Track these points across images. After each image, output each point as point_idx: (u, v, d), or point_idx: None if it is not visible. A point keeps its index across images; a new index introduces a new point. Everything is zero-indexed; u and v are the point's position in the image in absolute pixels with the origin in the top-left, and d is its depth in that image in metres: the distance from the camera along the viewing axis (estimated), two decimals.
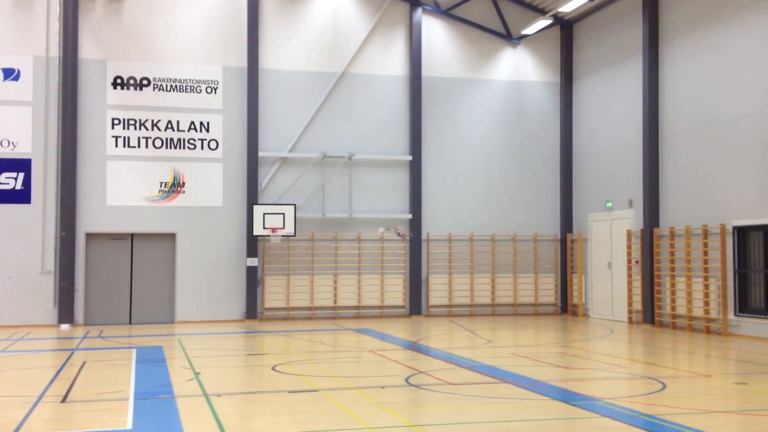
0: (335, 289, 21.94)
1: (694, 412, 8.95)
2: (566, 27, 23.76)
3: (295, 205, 21.06)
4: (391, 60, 22.73)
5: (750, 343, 15.94)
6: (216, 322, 20.82)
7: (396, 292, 22.38)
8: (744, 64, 17.09)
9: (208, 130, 21.29)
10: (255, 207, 20.78)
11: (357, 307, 22.09)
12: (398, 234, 15.37)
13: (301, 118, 21.94)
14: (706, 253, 17.89)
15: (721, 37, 17.83)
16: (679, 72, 19.16)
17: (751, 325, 16.67)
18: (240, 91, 21.50)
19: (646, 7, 19.97)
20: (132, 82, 20.89)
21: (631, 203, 20.75)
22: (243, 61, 21.54)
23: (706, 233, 17.90)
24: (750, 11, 16.90)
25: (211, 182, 21.26)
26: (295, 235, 21.11)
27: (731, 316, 17.21)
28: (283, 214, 20.76)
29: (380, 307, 22.25)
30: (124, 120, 20.75)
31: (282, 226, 20.71)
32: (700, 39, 18.49)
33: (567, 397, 9.98)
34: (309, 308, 21.77)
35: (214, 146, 21.30)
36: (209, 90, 21.33)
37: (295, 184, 21.78)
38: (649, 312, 19.54)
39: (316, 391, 10.27)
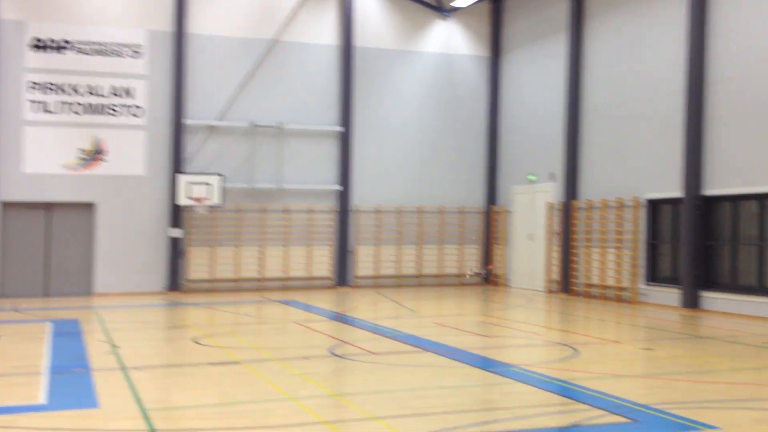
0: (261, 260, 21.92)
1: (604, 377, 9.39)
2: (496, 1, 24.02)
3: (222, 175, 20.88)
4: (323, 29, 22.59)
5: (657, 310, 16.69)
6: (136, 294, 20.54)
7: (323, 263, 22.50)
8: (660, 43, 17.67)
9: (131, 96, 20.83)
10: (179, 176, 20.51)
11: (283, 279, 22.13)
12: (475, 273, 16.84)
13: (229, 86, 21.65)
14: (620, 225, 18.57)
15: (640, 17, 18.37)
16: (600, 48, 19.67)
17: (659, 293, 17.44)
18: (166, 56, 21.05)
19: None
20: (51, 44, 20.21)
21: (552, 176, 21.30)
22: (169, 25, 21.05)
23: (621, 206, 18.56)
24: None
25: (134, 150, 20.85)
26: (221, 206, 20.95)
27: (641, 285, 17.96)
28: (210, 184, 20.56)
29: (307, 279, 22.34)
30: (42, 84, 20.13)
31: (207, 197, 20.51)
32: (621, 17, 19.00)
33: (485, 364, 10.33)
34: (234, 280, 21.70)
35: (138, 113, 20.88)
36: (133, 54, 20.83)
37: (222, 154, 21.56)
38: (566, 282, 20.21)
39: (239, 363, 10.31)
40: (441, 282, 23.59)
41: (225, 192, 21.19)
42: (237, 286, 21.66)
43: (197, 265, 21.32)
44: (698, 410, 7.58)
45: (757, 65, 15.15)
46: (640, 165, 18.12)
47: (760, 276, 15.14)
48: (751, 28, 15.34)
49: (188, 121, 21.15)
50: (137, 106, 20.88)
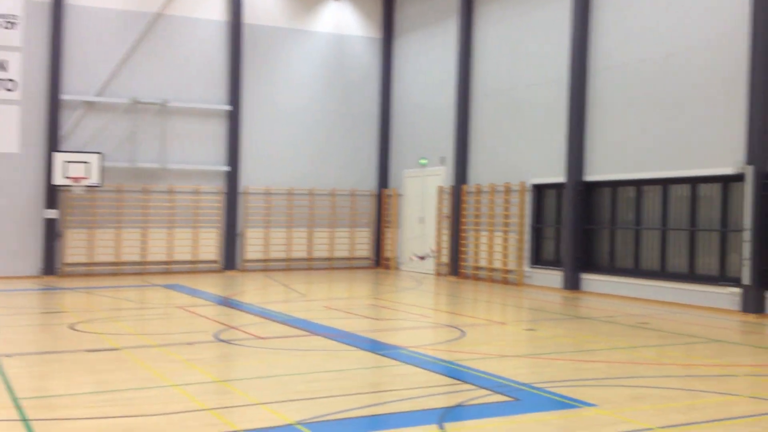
0: (144, 243, 21.21)
1: (489, 357, 9.56)
2: None
3: (101, 153, 20.02)
4: (211, 4, 21.92)
5: (541, 292, 17.19)
6: (8, 278, 19.47)
7: (209, 246, 22.00)
8: (546, 32, 18.09)
9: (4, 69, 19.64)
10: (55, 154, 19.54)
11: (167, 263, 21.51)
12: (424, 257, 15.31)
13: (110, 61, 20.73)
14: (507, 209, 19.00)
15: (528, 5, 18.74)
16: (490, 35, 19.98)
17: (543, 275, 17.97)
18: (43, 27, 19.92)
19: None
20: None
21: (442, 161, 21.54)
22: None
23: (508, 190, 18.97)
24: None
25: (7, 127, 19.69)
26: (100, 186, 20.10)
27: (526, 267, 18.46)
28: (88, 162, 19.68)
29: (192, 263, 21.80)
30: None
31: (86, 176, 19.63)
32: (510, 4, 19.33)
33: (375, 346, 10.33)
34: (114, 263, 20.92)
35: (11, 87, 19.72)
36: (7, 25, 19.63)
37: (102, 131, 20.67)
38: (455, 264, 20.53)
39: (118, 349, 9.91)
40: (332, 265, 23.51)
41: (105, 171, 20.36)
42: (117, 270, 20.89)
43: (75, 248, 20.42)
44: (577, 388, 7.81)
45: (635, 55, 15.73)
46: (526, 150, 18.55)
47: (636, 259, 15.81)
48: (632, 19, 15.91)
49: (66, 96, 20.15)
50: (11, 80, 19.72)
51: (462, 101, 20.50)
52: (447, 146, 21.27)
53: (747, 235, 12.93)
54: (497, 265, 19.31)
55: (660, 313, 13.57)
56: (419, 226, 22.61)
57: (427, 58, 22.45)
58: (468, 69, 20.52)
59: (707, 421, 6.61)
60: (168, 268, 21.48)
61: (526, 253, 18.51)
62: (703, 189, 14.47)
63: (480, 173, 20.11)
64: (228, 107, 21.94)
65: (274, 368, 8.89)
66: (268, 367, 8.95)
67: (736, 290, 13.33)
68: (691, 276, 14.51)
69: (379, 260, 24.10)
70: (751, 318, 12.75)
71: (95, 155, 19.85)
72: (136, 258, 21.15)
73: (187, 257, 21.73)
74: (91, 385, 7.95)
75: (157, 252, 21.36)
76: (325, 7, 23.49)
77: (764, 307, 12.92)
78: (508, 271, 18.96)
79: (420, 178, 22.63)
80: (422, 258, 11.92)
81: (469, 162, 20.52)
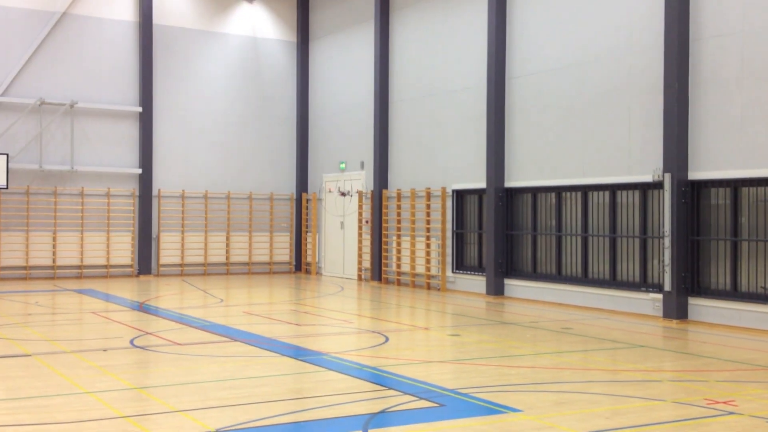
0: (54, 247, 20.34)
1: (414, 363, 9.44)
2: None
3: (7, 154, 19.12)
4: (120, 3, 21.28)
5: (464, 297, 17.24)
6: None
7: (123, 250, 21.27)
8: (464, 38, 18.19)
9: None
10: None
11: (79, 267, 20.69)
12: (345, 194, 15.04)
13: (15, 60, 19.87)
14: (428, 215, 19.00)
15: (445, 11, 18.82)
16: (407, 40, 19.98)
17: (466, 281, 18.03)
18: None
19: None
20: None
21: (362, 165, 21.42)
22: None
23: (429, 195, 18.98)
24: None
25: None
26: (7, 188, 19.20)
27: (449, 272, 18.49)
28: None
29: (105, 267, 21.03)
30: None
31: None
32: (427, 9, 19.38)
33: (297, 352, 10.08)
34: (24, 267, 19.99)
35: None
36: None
37: (7, 132, 19.75)
38: (377, 269, 20.42)
39: (29, 355, 9.44)
40: (251, 270, 23.08)
41: (11, 173, 19.45)
42: (27, 274, 19.98)
43: None
44: (502, 394, 7.77)
45: (553, 62, 15.96)
46: (447, 156, 18.60)
47: (558, 264, 16.01)
48: (549, 26, 16.14)
49: None
50: None
51: (381, 106, 20.43)
52: (367, 151, 21.16)
53: (667, 242, 13.23)
54: (420, 270, 19.29)
55: (583, 319, 13.75)
56: (340, 231, 22.43)
57: (345, 62, 22.33)
58: (386, 74, 20.48)
59: (632, 426, 6.64)
60: (80, 273, 20.66)
61: (449, 258, 18.55)
62: (623, 196, 14.77)
63: (401, 178, 20.07)
64: (139, 109, 21.28)
65: (192, 375, 8.56)
66: (187, 374, 8.61)
67: (658, 296, 13.62)
68: (613, 282, 14.77)
69: (300, 265, 23.79)
70: (673, 324, 13.04)
71: (1, 156, 18.94)
72: (47, 262, 20.28)
73: (101, 261, 20.96)
74: (2, 392, 7.59)
75: (68, 256, 20.53)
76: (239, 9, 23.10)
77: (686, 312, 13.23)
78: (431, 277, 18.96)
79: (340, 182, 22.45)
80: (344, 195, 12.44)
81: (389, 167, 20.46)
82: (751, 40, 12.52)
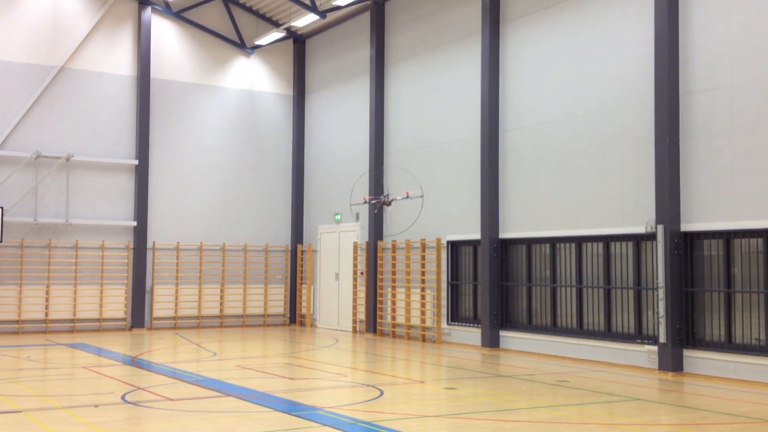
0: (47, 300, 20.22)
1: (409, 417, 9.35)
2: (299, 41, 24.12)
3: (2, 207, 19.14)
4: (118, 58, 21.54)
5: (460, 349, 17.13)
6: None
7: (117, 303, 21.15)
8: (457, 91, 18.41)
9: None
10: None
11: (72, 320, 20.55)
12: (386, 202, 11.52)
13: (12, 113, 20.03)
14: (423, 266, 18.98)
15: (437, 65, 19.09)
16: (402, 94, 20.22)
17: (461, 332, 17.94)
18: None
19: (374, 30, 20.86)
20: None
21: (357, 216, 21.46)
22: None
23: (424, 247, 18.99)
24: (465, 42, 18.26)
25: None
26: (1, 241, 19.18)
27: (444, 324, 18.41)
28: None
29: (98, 320, 20.88)
30: None
31: None
32: (420, 64, 19.65)
33: (290, 407, 9.98)
34: (16, 321, 19.85)
35: None
36: None
37: (3, 185, 19.79)
38: (372, 321, 20.32)
39: (19, 411, 9.31)
40: (245, 323, 22.94)
41: (5, 226, 19.46)
42: (19, 328, 19.82)
43: None
44: None
45: (546, 115, 16.14)
46: (442, 207, 18.67)
47: (553, 316, 15.96)
48: (541, 80, 16.36)
49: None
50: None
51: (376, 157, 20.57)
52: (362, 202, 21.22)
53: (661, 293, 13.22)
54: (415, 321, 19.20)
55: (579, 371, 13.66)
56: (335, 283, 22.36)
57: (340, 115, 22.54)
58: (381, 125, 20.67)
59: None
60: (73, 327, 20.51)
61: (444, 309, 18.48)
62: (617, 247, 14.81)
63: (396, 229, 20.09)
64: (135, 161, 21.39)
65: (184, 431, 8.45)
66: (178, 431, 8.50)
67: (653, 348, 13.56)
68: (608, 333, 14.71)
69: (294, 317, 23.66)
70: (669, 376, 12.95)
71: None
72: (39, 316, 20.14)
73: (93, 315, 20.82)
74: None
75: (61, 309, 20.40)
76: (236, 63, 23.39)
77: (681, 364, 13.15)
78: (426, 328, 18.87)
79: (335, 233, 22.47)
80: (388, 203, 9.85)
81: (384, 218, 20.51)
82: (739, 93, 12.70)
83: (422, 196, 9.80)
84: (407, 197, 10.36)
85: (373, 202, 12.39)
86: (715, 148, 12.94)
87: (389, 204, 9.18)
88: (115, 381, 12.19)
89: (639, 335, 14.11)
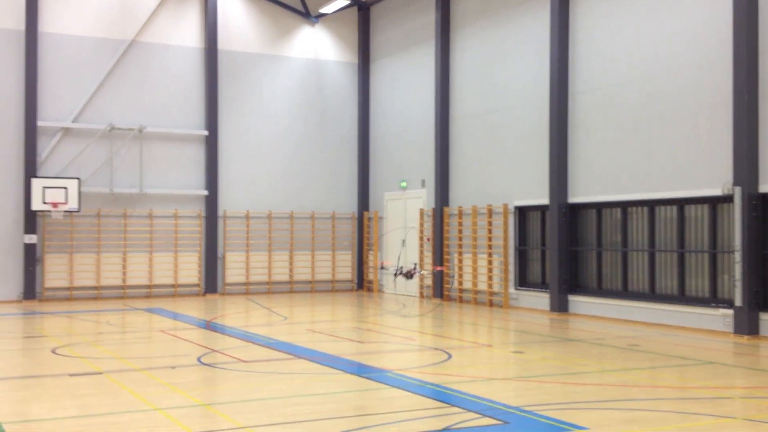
0: (124, 267, 20.90)
1: (476, 380, 9.38)
2: (364, 8, 24.04)
3: (79, 178, 19.78)
4: (186, 31, 21.87)
5: (527, 314, 17.06)
6: None
7: (190, 270, 21.72)
8: (525, 54, 18.11)
9: None
10: (33, 180, 19.28)
11: (148, 286, 21.20)
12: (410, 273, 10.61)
13: (86, 87, 20.59)
14: (490, 231, 18.90)
15: (504, 28, 18.80)
16: (468, 58, 20.00)
17: (529, 297, 17.85)
18: (15, 55, 19.80)
19: None
20: None
21: (423, 183, 21.45)
22: (20, 23, 19.82)
23: (490, 213, 18.89)
24: (533, 3, 17.91)
25: None
26: (79, 211, 19.85)
27: (511, 289, 18.33)
28: (66, 188, 19.43)
29: (173, 286, 21.50)
30: None
31: (64, 201, 19.36)
32: (486, 28, 19.38)
33: (360, 369, 10.12)
34: (95, 288, 20.59)
35: None
36: None
37: (79, 157, 20.44)
38: (439, 287, 20.37)
39: (101, 373, 9.70)
40: (314, 288, 23.29)
41: (83, 196, 20.11)
42: (98, 294, 20.56)
43: (55, 272, 20.10)
44: (567, 411, 7.65)
45: (617, 76, 15.77)
46: (509, 173, 18.50)
47: (624, 281, 15.72)
48: (613, 41, 15.96)
49: (42, 122, 19.95)
50: None
51: (442, 124, 20.47)
52: (428, 169, 21.20)
53: (738, 257, 12.88)
54: (482, 287, 19.17)
55: (650, 335, 13.47)
56: (401, 249, 22.46)
57: (406, 82, 22.45)
58: (447, 92, 20.52)
59: None
60: (149, 292, 21.17)
61: (511, 275, 18.40)
62: (691, 210, 14.45)
63: (462, 195, 20.03)
64: (205, 132, 21.79)
65: (258, 391, 8.67)
66: (252, 391, 8.73)
67: (728, 312, 13.26)
68: (681, 298, 14.44)
69: (362, 283, 23.90)
70: (744, 340, 12.67)
71: (73, 181, 19.62)
72: (116, 282, 20.84)
73: (168, 281, 21.44)
74: (75, 410, 7.77)
75: (137, 276, 21.07)
76: (301, 32, 23.47)
77: (758, 328, 12.84)
78: (493, 293, 18.83)
79: (401, 200, 22.52)
80: (407, 275, 9.30)
81: (450, 184, 20.45)
82: None
83: (453, 276, 9.13)
84: (436, 271, 9.72)
85: (392, 270, 10.97)
86: None
87: (410, 277, 8.42)
88: (190, 344, 12.56)
89: (714, 299, 13.80)
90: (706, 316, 13.76)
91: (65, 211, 19.57)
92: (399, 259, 9.21)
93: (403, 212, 22.43)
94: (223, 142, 22.18)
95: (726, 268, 13.60)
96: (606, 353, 11.66)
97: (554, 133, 16.86)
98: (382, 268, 8.44)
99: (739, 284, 12.83)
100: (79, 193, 19.66)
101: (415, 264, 8.78)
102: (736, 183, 13.02)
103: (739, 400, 8.50)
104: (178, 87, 21.72)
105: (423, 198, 21.51)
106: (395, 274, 8.48)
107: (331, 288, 23.57)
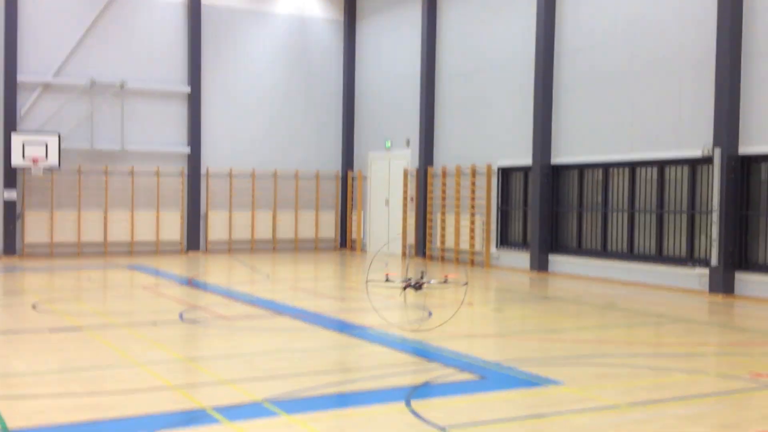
0: (105, 224, 20.83)
1: (456, 337, 9.51)
2: None
3: (59, 134, 19.59)
4: None
5: (508, 273, 17.22)
6: None
7: (173, 227, 21.68)
8: (512, 14, 18.00)
9: None
10: (13, 135, 19.09)
11: (130, 244, 21.17)
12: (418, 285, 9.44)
13: (67, 42, 20.27)
14: (473, 192, 18.97)
15: None
16: (454, 18, 19.86)
17: (510, 257, 18.01)
18: None
19: None
20: None
21: (408, 143, 21.44)
22: None
23: (474, 173, 18.94)
24: None
25: None
26: (59, 167, 19.70)
27: (493, 249, 18.48)
28: (46, 144, 19.25)
29: (155, 243, 21.47)
30: None
31: (45, 157, 19.20)
32: None
33: (342, 326, 10.23)
34: (76, 244, 20.53)
35: None
36: None
37: (59, 112, 20.21)
38: (422, 246, 20.49)
39: (81, 329, 9.73)
40: (297, 247, 23.34)
41: (63, 153, 19.94)
42: (79, 250, 20.51)
43: (35, 228, 20.01)
44: (544, 366, 7.80)
45: (601, 36, 15.73)
46: (493, 133, 18.52)
47: (604, 240, 15.88)
48: (599, 1, 15.88)
49: (22, 77, 19.67)
50: None
51: (427, 83, 20.38)
52: (412, 128, 21.16)
53: (715, 217, 13.04)
54: (464, 246, 19.30)
55: (628, 294, 13.67)
56: (384, 208, 22.52)
57: (391, 41, 22.28)
58: (433, 51, 20.40)
59: (674, 399, 6.62)
60: (130, 250, 21.15)
61: (493, 234, 18.53)
62: (671, 171, 14.56)
63: (446, 155, 20.05)
64: (188, 88, 21.58)
65: (240, 347, 8.76)
66: (234, 346, 8.82)
67: (704, 271, 13.45)
68: (659, 257, 14.62)
69: (345, 242, 23.98)
70: (719, 298, 12.88)
71: (53, 136, 19.43)
72: (98, 239, 20.78)
73: (150, 238, 21.41)
74: (55, 364, 7.81)
75: (119, 233, 21.02)
76: None
77: (732, 287, 13.05)
78: (475, 253, 18.97)
79: (385, 159, 22.51)
80: (416, 286, 8.37)
81: (435, 144, 20.45)
82: None
83: (466, 283, 8.74)
84: (445, 281, 9.28)
85: (398, 281, 9.70)
86: None
87: (419, 288, 7.95)
88: (172, 300, 12.62)
89: (690, 259, 13.99)
90: (683, 275, 13.96)
91: (45, 168, 19.41)
92: (407, 269, 9.08)
93: (387, 172, 22.44)
94: (207, 98, 22.00)
95: (703, 229, 13.77)
96: (584, 311, 11.83)
97: (539, 94, 16.85)
98: (387, 280, 8.22)
99: (715, 244, 13.00)
100: (60, 149, 19.49)
101: (423, 272, 8.58)
102: (716, 144, 13.11)
103: (711, 357, 8.68)
104: (160, 42, 21.44)
105: (407, 158, 21.51)
106: (404, 288, 8.34)
107: (314, 247, 23.64)
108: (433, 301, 12.85)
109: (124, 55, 20.94)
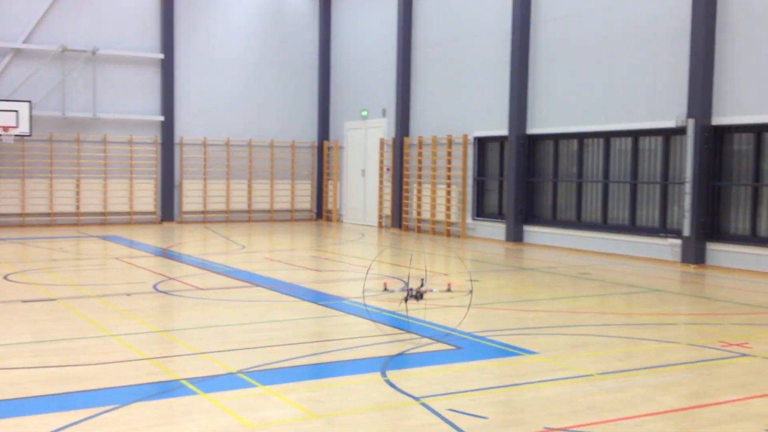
0: (78, 194, 20.59)
1: (432, 308, 9.54)
2: None
3: (30, 101, 19.26)
4: None
5: (484, 244, 17.30)
6: None
7: (146, 197, 21.50)
8: None
9: None
10: None
11: (103, 214, 20.97)
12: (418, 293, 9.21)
13: (37, 7, 19.86)
14: (449, 162, 18.97)
15: None
16: None
17: (486, 227, 18.08)
18: None
19: None
20: None
21: (384, 113, 21.34)
22: None
23: (450, 143, 18.92)
24: None
25: None
26: (30, 135, 19.39)
27: (469, 219, 18.54)
28: (17, 111, 18.93)
29: (129, 214, 21.29)
30: None
31: (15, 125, 18.88)
32: None
33: (317, 297, 10.23)
34: (48, 214, 20.30)
35: None
36: None
37: (30, 79, 19.85)
38: (398, 217, 20.51)
39: (54, 300, 9.65)
40: (272, 218, 23.26)
41: (34, 120, 19.62)
42: (51, 220, 20.29)
43: (6, 197, 19.76)
44: (518, 336, 7.86)
45: (578, 7, 15.69)
46: (469, 103, 18.48)
47: (578, 211, 15.99)
48: None
49: None
50: None
51: (403, 52, 20.25)
52: (389, 98, 21.07)
53: (688, 188, 13.15)
54: (440, 217, 19.35)
55: (601, 264, 13.79)
56: (361, 179, 22.47)
57: (368, 9, 22.07)
58: (409, 20, 20.25)
59: (645, 368, 6.71)
60: (104, 219, 20.95)
61: (469, 205, 18.57)
62: (645, 142, 14.64)
63: (422, 125, 20.00)
64: (161, 55, 21.27)
65: (214, 318, 8.73)
66: (209, 318, 8.79)
67: (677, 241, 13.60)
68: (632, 228, 14.75)
69: (321, 212, 23.93)
70: (691, 269, 13.04)
71: (24, 104, 19.11)
72: (70, 209, 20.56)
73: (124, 208, 21.22)
74: (29, 335, 7.75)
75: (92, 203, 20.80)
76: None
77: (704, 257, 13.22)
78: (450, 224, 19.02)
79: (361, 129, 22.41)
80: (417, 296, 8.22)
81: (411, 114, 20.38)
82: None
83: (471, 291, 8.63)
84: (449, 290, 9.12)
85: (398, 291, 9.37)
86: (752, 40, 12.57)
87: (421, 297, 7.82)
88: (146, 271, 12.53)
89: (663, 229, 14.13)
90: (656, 246, 14.11)
91: (16, 135, 19.11)
92: (409, 279, 8.97)
93: (363, 142, 22.36)
94: (180, 66, 21.70)
95: (676, 199, 13.89)
96: (558, 281, 11.93)
97: (515, 64, 16.82)
98: (385, 290, 8.13)
99: (687, 215, 13.13)
100: (31, 117, 19.18)
101: (423, 279, 8.49)
102: (689, 115, 13.19)
103: (682, 326, 8.80)
104: (133, 8, 21.08)
105: (383, 127, 21.43)
106: (405, 298, 8.25)
107: (290, 217, 23.57)
108: (407, 271, 12.88)
109: (95, 21, 20.58)
